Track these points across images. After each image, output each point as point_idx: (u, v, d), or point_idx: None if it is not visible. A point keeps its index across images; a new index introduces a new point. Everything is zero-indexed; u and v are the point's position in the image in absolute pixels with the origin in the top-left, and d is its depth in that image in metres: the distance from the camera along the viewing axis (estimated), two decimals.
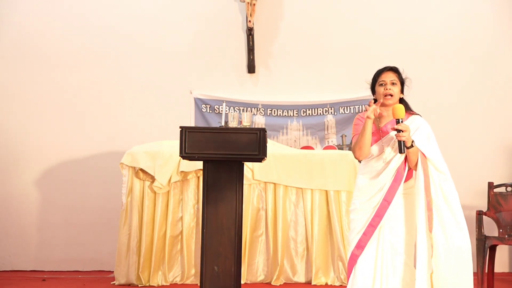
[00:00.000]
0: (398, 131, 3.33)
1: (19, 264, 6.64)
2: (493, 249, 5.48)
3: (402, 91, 3.56)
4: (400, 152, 3.36)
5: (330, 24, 6.97)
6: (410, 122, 3.47)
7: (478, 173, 6.67)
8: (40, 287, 5.73)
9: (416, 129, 3.46)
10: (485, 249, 5.33)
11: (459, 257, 3.40)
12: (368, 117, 3.39)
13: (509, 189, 5.57)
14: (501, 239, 5.36)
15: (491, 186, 5.61)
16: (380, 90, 3.50)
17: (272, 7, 6.95)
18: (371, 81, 3.60)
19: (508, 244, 5.34)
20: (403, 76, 3.57)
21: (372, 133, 3.50)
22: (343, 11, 6.97)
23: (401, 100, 3.55)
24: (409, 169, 3.48)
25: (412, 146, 3.38)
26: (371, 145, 3.49)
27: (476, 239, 5.40)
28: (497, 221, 5.55)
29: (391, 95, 3.48)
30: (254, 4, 6.71)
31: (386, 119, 3.52)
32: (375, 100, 3.59)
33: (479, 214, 5.43)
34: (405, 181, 3.47)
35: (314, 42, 6.96)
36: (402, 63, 6.65)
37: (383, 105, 3.52)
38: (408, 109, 3.54)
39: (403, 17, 6.95)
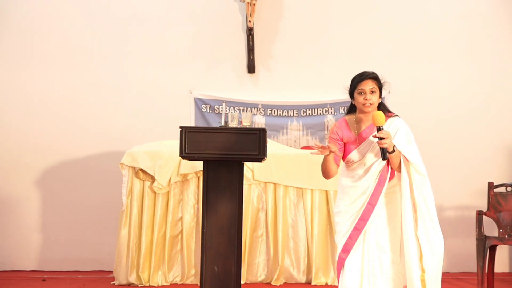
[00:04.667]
0: (380, 138, 3.32)
1: (19, 264, 6.64)
2: (493, 249, 5.48)
3: (380, 95, 3.53)
4: (383, 159, 3.36)
5: (330, 24, 6.96)
6: (389, 125, 3.47)
7: (478, 173, 6.67)
8: (40, 287, 5.73)
9: (396, 131, 3.46)
10: (485, 249, 5.33)
11: (437, 259, 3.40)
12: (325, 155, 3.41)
13: (509, 189, 5.57)
14: (501, 239, 5.35)
15: (491, 186, 5.60)
16: (359, 98, 3.47)
17: (272, 7, 6.95)
18: (349, 86, 3.56)
19: (508, 244, 5.34)
20: (382, 81, 3.53)
21: (350, 140, 3.52)
22: (343, 11, 6.97)
23: (380, 104, 3.53)
24: (392, 169, 3.48)
25: (394, 150, 3.37)
26: (351, 152, 3.51)
27: (476, 239, 5.40)
28: (497, 221, 5.55)
29: (371, 104, 3.45)
30: (254, 4, 6.71)
31: (365, 124, 3.52)
32: (352, 107, 3.58)
33: (479, 214, 5.43)
34: (389, 180, 3.48)
35: (314, 42, 6.95)
36: (401, 63, 6.74)
37: (361, 112, 3.51)
38: (386, 111, 3.53)
39: (403, 18, 6.94)
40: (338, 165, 3.53)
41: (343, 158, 3.57)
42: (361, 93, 3.46)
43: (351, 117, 3.59)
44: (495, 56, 6.88)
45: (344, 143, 3.55)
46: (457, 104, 6.83)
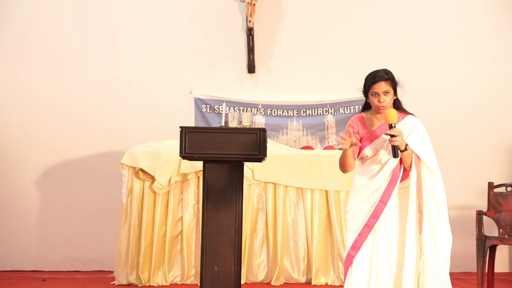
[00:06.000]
0: (391, 136, 3.33)
1: (19, 264, 6.64)
2: (493, 249, 5.48)
3: (395, 93, 3.53)
4: (394, 156, 3.36)
5: (330, 24, 6.96)
6: (404, 124, 3.48)
7: (478, 173, 6.67)
8: (40, 287, 5.74)
9: (411, 131, 3.46)
10: (485, 249, 5.33)
11: (443, 260, 3.41)
12: (345, 149, 3.40)
13: (509, 189, 5.57)
14: (501, 239, 5.36)
15: (491, 186, 5.60)
16: (373, 100, 3.48)
17: (272, 7, 6.95)
18: (363, 86, 3.55)
19: (508, 244, 5.34)
20: (396, 79, 3.52)
21: (365, 136, 3.53)
22: (343, 11, 6.97)
23: (395, 101, 3.54)
24: (405, 169, 3.49)
25: (406, 149, 3.38)
26: (364, 148, 3.51)
27: (476, 239, 5.40)
28: (497, 221, 5.55)
29: (385, 106, 3.45)
30: (254, 4, 6.71)
31: (380, 122, 3.53)
32: (367, 104, 3.57)
33: (479, 214, 5.43)
34: (401, 180, 3.49)
35: (314, 42, 6.95)
36: (401, 63, 6.74)
37: (376, 111, 3.52)
38: (402, 109, 3.54)
39: (403, 18, 6.93)
40: (355, 159, 3.53)
41: (357, 154, 3.57)
42: (374, 95, 3.47)
43: (366, 114, 3.59)
44: (495, 56, 6.87)
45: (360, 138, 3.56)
46: (457, 104, 6.83)
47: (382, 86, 3.45)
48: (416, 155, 3.41)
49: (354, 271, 3.43)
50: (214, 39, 6.93)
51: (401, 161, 3.45)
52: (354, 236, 3.46)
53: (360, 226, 3.45)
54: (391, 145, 3.35)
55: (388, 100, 3.46)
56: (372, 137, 3.51)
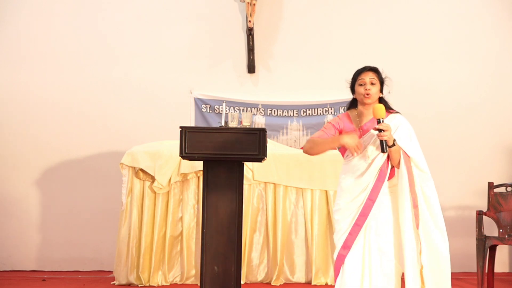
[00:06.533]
0: (380, 130, 3.34)
1: (19, 264, 6.64)
2: (493, 249, 5.48)
3: (381, 91, 3.56)
4: (383, 151, 3.38)
5: (330, 24, 6.96)
6: (390, 120, 3.48)
7: (478, 173, 6.67)
8: (40, 287, 5.74)
9: (397, 127, 3.47)
10: (485, 249, 5.33)
11: (439, 258, 3.41)
12: (350, 150, 3.40)
13: (509, 189, 5.57)
14: (501, 239, 5.36)
15: (491, 186, 5.60)
16: (359, 90, 3.52)
17: (272, 7, 6.95)
18: (351, 80, 3.62)
19: (508, 244, 5.34)
20: (383, 76, 3.58)
21: (352, 132, 3.53)
22: (343, 11, 6.97)
23: (381, 100, 3.56)
24: (392, 167, 3.49)
25: (394, 145, 3.39)
26: None
27: (476, 239, 5.40)
28: (497, 221, 5.55)
29: (370, 95, 3.48)
30: (254, 4, 6.71)
31: (366, 118, 3.55)
32: (353, 101, 3.64)
33: (479, 214, 5.43)
34: (388, 179, 3.49)
35: (314, 42, 6.96)
36: (401, 63, 6.74)
37: (362, 104, 3.54)
38: (387, 107, 3.55)
39: (404, 18, 6.94)
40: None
41: (343, 153, 3.58)
42: (361, 85, 3.52)
43: (352, 112, 3.64)
44: (495, 56, 6.87)
45: None
46: (457, 104, 6.83)
47: (369, 75, 3.53)
48: (404, 151, 3.42)
49: (347, 270, 3.42)
50: (214, 39, 6.93)
51: (388, 158, 3.45)
52: (344, 236, 3.46)
53: (350, 225, 3.45)
54: (379, 140, 3.36)
55: (374, 91, 3.50)
56: (359, 132, 3.53)
